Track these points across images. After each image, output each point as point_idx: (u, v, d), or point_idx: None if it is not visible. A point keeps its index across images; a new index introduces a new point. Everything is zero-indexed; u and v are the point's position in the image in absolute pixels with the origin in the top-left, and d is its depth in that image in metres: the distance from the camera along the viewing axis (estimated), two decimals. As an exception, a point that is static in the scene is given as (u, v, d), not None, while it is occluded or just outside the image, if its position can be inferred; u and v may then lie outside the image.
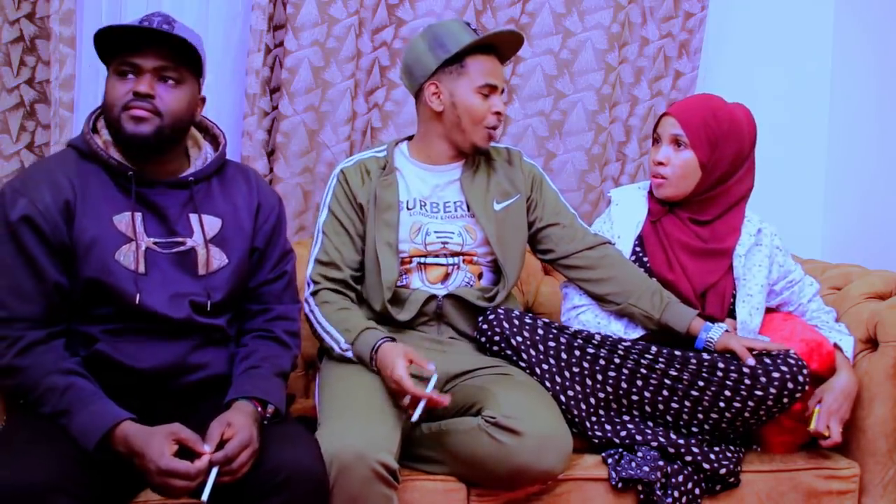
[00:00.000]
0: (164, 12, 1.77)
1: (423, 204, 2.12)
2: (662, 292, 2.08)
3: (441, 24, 2.15)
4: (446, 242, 2.10)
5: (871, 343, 2.13)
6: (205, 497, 1.57)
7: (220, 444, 1.62)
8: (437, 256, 2.10)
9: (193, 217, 1.82)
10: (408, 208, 2.11)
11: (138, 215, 1.77)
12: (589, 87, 2.71)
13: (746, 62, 2.94)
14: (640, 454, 1.96)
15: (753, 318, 2.11)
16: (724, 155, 2.12)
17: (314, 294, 2.07)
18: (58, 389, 1.65)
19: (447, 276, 2.11)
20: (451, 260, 2.11)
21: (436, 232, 2.10)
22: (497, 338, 2.02)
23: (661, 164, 2.14)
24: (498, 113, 2.09)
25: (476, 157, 2.16)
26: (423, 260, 2.10)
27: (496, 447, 1.82)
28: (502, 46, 2.12)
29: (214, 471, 1.59)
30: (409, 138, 2.21)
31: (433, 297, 2.09)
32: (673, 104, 2.22)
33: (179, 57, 1.75)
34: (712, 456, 1.96)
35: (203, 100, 1.87)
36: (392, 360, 1.87)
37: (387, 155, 2.15)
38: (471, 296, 2.09)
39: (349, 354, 1.99)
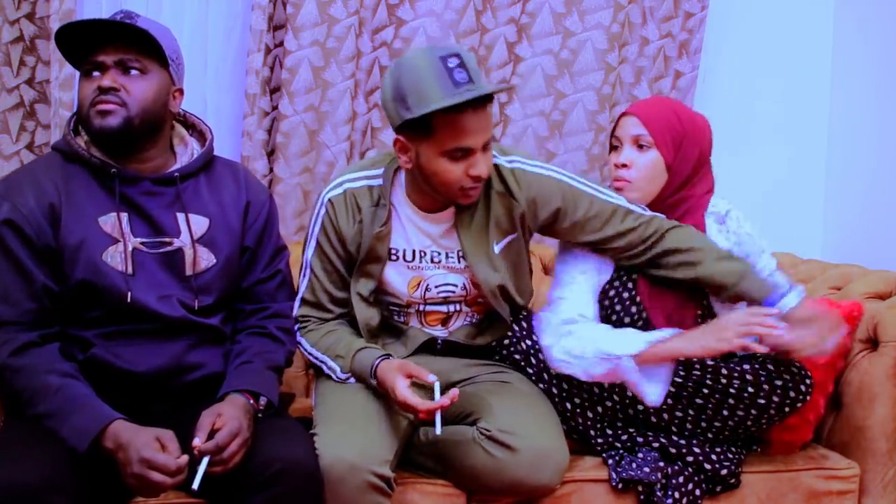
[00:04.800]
0: (128, 9, 1.78)
1: (423, 255, 1.94)
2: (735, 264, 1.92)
3: (410, 68, 1.74)
4: (448, 297, 1.99)
5: (871, 343, 2.13)
6: (195, 486, 1.57)
7: (212, 435, 1.61)
8: (436, 304, 2.00)
9: (180, 216, 1.81)
10: (405, 259, 1.94)
11: (124, 216, 1.76)
12: (589, 87, 2.71)
13: (746, 62, 2.94)
14: (640, 455, 1.95)
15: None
16: (689, 156, 2.00)
17: (299, 330, 1.98)
18: (51, 389, 1.65)
19: (447, 319, 2.03)
20: (451, 308, 2.01)
21: (436, 287, 1.97)
22: (506, 341, 2.02)
23: (624, 166, 1.99)
24: (476, 176, 1.80)
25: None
26: (420, 308, 2.01)
27: (491, 461, 1.81)
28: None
29: (205, 461, 1.59)
30: None
31: (433, 339, 2.02)
32: (631, 105, 2.08)
33: (142, 48, 1.75)
34: (713, 456, 1.96)
35: (180, 91, 1.86)
36: (391, 381, 1.77)
37: (384, 185, 1.91)
38: (470, 337, 2.03)
39: (352, 381, 1.91)
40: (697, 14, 2.78)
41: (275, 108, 2.58)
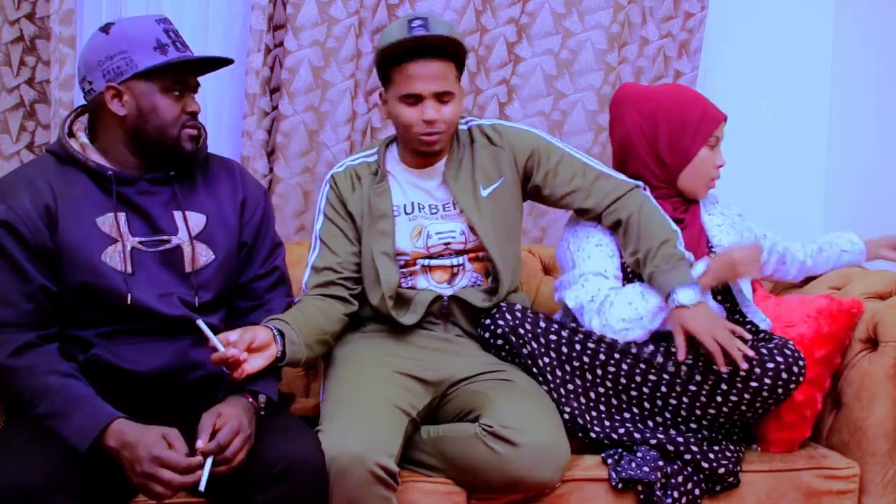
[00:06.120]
0: (166, 16, 1.82)
1: (421, 207, 2.08)
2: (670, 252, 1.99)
3: (385, 32, 2.02)
4: (449, 243, 2.07)
5: (871, 343, 2.13)
6: (201, 487, 1.57)
7: (214, 436, 1.61)
8: (440, 258, 2.08)
9: (177, 214, 1.82)
10: (406, 213, 2.08)
11: (121, 215, 1.77)
12: (589, 87, 2.71)
13: (746, 62, 2.94)
14: (639, 454, 1.96)
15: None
16: None
17: (300, 301, 2.02)
18: (52, 390, 1.65)
19: (453, 276, 2.09)
20: (455, 261, 2.08)
21: (437, 233, 2.07)
22: (499, 331, 2.02)
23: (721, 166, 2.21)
24: (428, 120, 1.97)
25: (458, 149, 2.09)
26: (427, 262, 2.08)
27: (492, 456, 1.82)
28: (443, 46, 1.95)
29: (209, 461, 1.59)
30: (397, 138, 2.13)
31: (439, 297, 2.07)
32: (713, 104, 2.23)
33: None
34: (711, 455, 1.97)
35: None
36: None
37: (378, 159, 2.10)
38: (475, 298, 2.07)
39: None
40: (697, 14, 2.78)
41: (275, 108, 2.58)
